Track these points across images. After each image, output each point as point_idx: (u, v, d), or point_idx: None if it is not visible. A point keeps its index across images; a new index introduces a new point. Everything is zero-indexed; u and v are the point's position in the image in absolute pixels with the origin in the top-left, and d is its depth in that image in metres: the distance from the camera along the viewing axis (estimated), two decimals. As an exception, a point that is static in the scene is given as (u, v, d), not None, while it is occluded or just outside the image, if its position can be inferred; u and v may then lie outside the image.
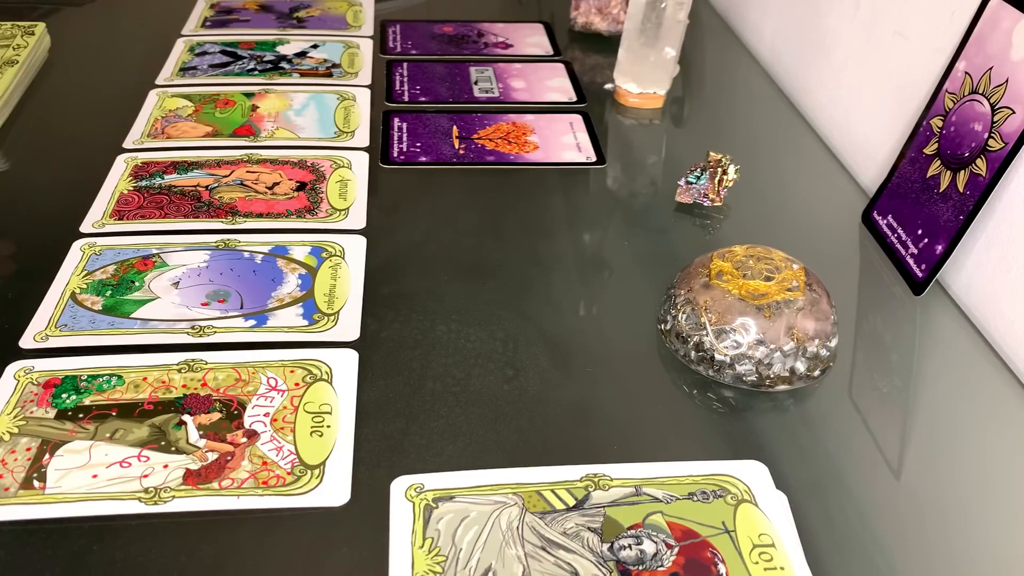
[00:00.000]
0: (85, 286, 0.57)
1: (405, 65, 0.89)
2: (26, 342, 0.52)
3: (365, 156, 0.73)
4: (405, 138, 0.76)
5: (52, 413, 0.48)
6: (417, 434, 0.48)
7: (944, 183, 0.59)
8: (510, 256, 0.63)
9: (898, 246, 0.62)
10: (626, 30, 0.80)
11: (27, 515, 0.42)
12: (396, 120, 0.79)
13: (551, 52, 0.93)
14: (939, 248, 0.58)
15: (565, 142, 0.77)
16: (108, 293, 0.56)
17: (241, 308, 0.56)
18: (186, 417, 0.48)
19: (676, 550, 0.42)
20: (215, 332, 0.54)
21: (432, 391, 0.51)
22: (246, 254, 0.60)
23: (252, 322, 0.55)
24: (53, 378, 0.50)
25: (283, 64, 0.87)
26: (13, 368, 0.50)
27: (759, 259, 0.53)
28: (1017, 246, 0.56)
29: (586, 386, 0.52)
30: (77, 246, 0.61)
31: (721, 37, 1.00)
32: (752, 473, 0.45)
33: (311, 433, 0.47)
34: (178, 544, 0.42)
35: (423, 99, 0.83)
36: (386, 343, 0.54)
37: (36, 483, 0.44)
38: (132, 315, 0.55)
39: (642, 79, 0.81)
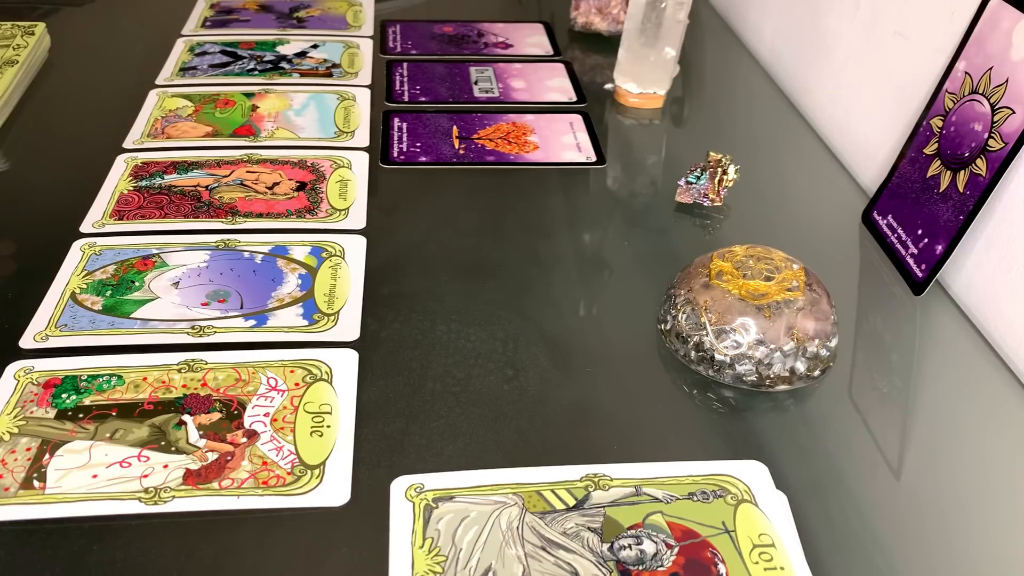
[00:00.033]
0: (85, 286, 0.57)
1: (405, 65, 0.89)
2: (26, 342, 0.52)
3: (365, 156, 0.73)
4: (405, 138, 0.76)
5: (52, 413, 0.48)
6: (417, 434, 0.48)
7: (944, 183, 0.59)
8: (510, 256, 0.63)
9: (898, 246, 0.62)
10: (626, 30, 0.80)
11: (27, 515, 0.42)
12: (396, 120, 0.79)
13: (551, 52, 0.93)
14: (939, 248, 0.58)
15: (565, 142, 0.77)
16: (108, 293, 0.56)
17: (241, 308, 0.56)
18: (186, 417, 0.48)
19: (676, 550, 0.42)
20: (215, 332, 0.54)
21: (432, 391, 0.51)
22: (246, 254, 0.60)
23: (252, 322, 0.55)
24: (53, 378, 0.50)
25: (283, 64, 0.87)
26: (13, 368, 0.50)
27: (759, 259, 0.53)
28: (1017, 246, 0.56)
29: (586, 386, 0.52)
30: (77, 246, 0.61)
31: (721, 37, 1.00)
32: (752, 473, 0.45)
33: (311, 433, 0.47)
34: (178, 544, 0.42)
35: (423, 99, 0.83)
36: (386, 343, 0.54)
37: (36, 483, 0.44)
38: (132, 315, 0.55)
39: (642, 79, 0.81)
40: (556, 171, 0.73)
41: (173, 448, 0.46)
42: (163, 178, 0.68)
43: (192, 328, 0.54)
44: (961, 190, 0.58)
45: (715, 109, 0.86)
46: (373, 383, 0.51)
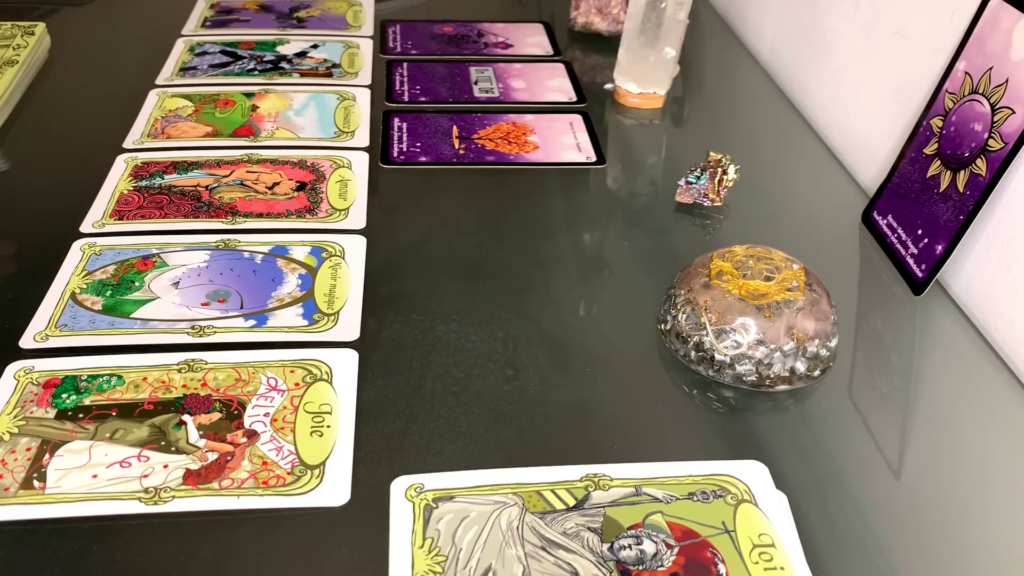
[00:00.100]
0: (85, 286, 0.57)
1: (405, 65, 0.89)
2: (26, 342, 0.52)
3: (365, 156, 0.73)
4: (405, 138, 0.76)
5: (52, 413, 0.48)
6: (417, 434, 0.48)
7: (944, 183, 0.59)
8: (510, 256, 0.63)
9: (898, 246, 0.62)
10: (626, 30, 0.80)
11: (27, 515, 0.42)
12: (396, 120, 0.79)
13: (551, 52, 0.93)
14: (939, 248, 0.58)
15: (565, 142, 0.77)
16: (108, 293, 0.56)
17: (241, 308, 0.56)
18: (186, 417, 0.48)
19: (676, 550, 0.42)
20: (215, 332, 0.54)
21: (432, 391, 0.51)
22: (246, 254, 0.60)
23: (252, 322, 0.55)
24: (53, 378, 0.50)
25: (283, 64, 0.87)
26: (13, 368, 0.50)
27: (759, 259, 0.53)
28: (1017, 246, 0.56)
29: (586, 386, 0.52)
30: (77, 246, 0.61)
31: (721, 37, 1.00)
32: (752, 473, 0.45)
33: (311, 433, 0.47)
34: (178, 544, 0.42)
35: (423, 99, 0.83)
36: (386, 343, 0.54)
37: (36, 483, 0.44)
38: (132, 315, 0.55)
39: (642, 79, 0.81)
40: (556, 171, 0.73)
41: (173, 448, 0.46)
42: (163, 178, 0.68)
43: (192, 328, 0.54)
44: (961, 190, 0.58)
45: (715, 109, 0.86)
46: (373, 383, 0.51)
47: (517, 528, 0.42)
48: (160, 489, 0.44)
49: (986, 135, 0.57)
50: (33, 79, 0.83)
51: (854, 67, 0.77)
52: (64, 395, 0.49)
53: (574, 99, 0.84)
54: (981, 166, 0.56)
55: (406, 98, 0.82)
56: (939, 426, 0.51)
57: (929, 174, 0.61)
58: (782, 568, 0.41)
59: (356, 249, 0.61)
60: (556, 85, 0.86)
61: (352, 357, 0.52)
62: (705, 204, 0.68)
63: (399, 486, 0.44)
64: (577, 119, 0.80)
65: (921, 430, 0.51)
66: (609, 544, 0.42)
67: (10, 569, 0.40)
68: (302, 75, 0.85)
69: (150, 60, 0.86)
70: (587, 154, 0.75)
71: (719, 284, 0.52)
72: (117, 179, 0.68)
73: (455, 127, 0.78)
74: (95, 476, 0.44)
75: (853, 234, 0.67)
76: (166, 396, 0.49)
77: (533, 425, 0.49)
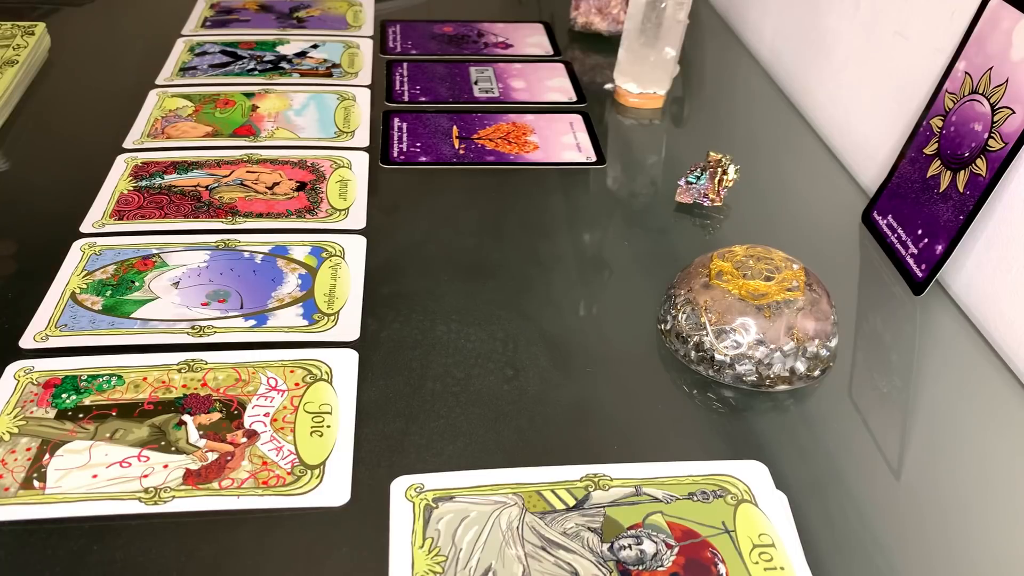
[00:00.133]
0: (85, 286, 0.57)
1: (405, 65, 0.89)
2: (26, 342, 0.52)
3: (365, 156, 0.73)
4: (405, 138, 0.76)
5: (52, 413, 0.48)
6: (417, 434, 0.48)
7: (944, 183, 0.59)
8: (510, 256, 0.63)
9: (898, 246, 0.62)
10: (626, 30, 0.80)
11: (27, 515, 0.42)
12: (396, 120, 0.79)
13: (551, 52, 0.93)
14: (939, 248, 0.58)
15: (565, 142, 0.77)
16: (108, 293, 0.56)
17: (241, 308, 0.56)
18: (186, 417, 0.48)
19: (676, 550, 0.42)
20: (215, 332, 0.54)
21: (432, 391, 0.51)
22: (246, 254, 0.60)
23: (252, 322, 0.55)
24: (53, 378, 0.50)
25: (283, 64, 0.87)
26: (13, 368, 0.50)
27: (759, 259, 0.53)
28: (1017, 246, 0.56)
29: (586, 386, 0.52)
30: (77, 246, 0.61)
31: (721, 37, 1.00)
32: (752, 473, 0.45)
33: (311, 433, 0.47)
34: (178, 544, 0.42)
35: (423, 99, 0.83)
36: (386, 343, 0.54)
37: (36, 483, 0.44)
38: (132, 315, 0.55)
39: (642, 79, 0.81)
40: (556, 171, 0.73)
41: (173, 448, 0.46)
42: (163, 178, 0.68)
43: (192, 328, 0.54)
44: (961, 190, 0.58)
45: (715, 109, 0.86)
46: (373, 383, 0.51)
47: (517, 528, 0.42)
48: (160, 489, 0.44)
49: (986, 135, 0.57)
50: (33, 79, 0.83)
51: (854, 67, 0.77)
52: (64, 395, 0.49)
53: (574, 99, 0.84)
54: (981, 166, 0.56)
55: (406, 98, 0.82)
56: (939, 426, 0.51)
57: (929, 174, 0.61)
58: (782, 568, 0.41)
59: (356, 249, 0.61)
60: (556, 85, 0.86)
61: (352, 357, 0.52)
62: (705, 204, 0.68)
63: (399, 486, 0.44)
64: (577, 119, 0.80)
65: (921, 430, 0.51)
66: (609, 544, 0.42)
67: (10, 569, 0.40)
68: (302, 75, 0.85)
69: (150, 60, 0.86)
70: (587, 154, 0.75)
71: (719, 284, 0.52)
72: (117, 179, 0.68)
73: (455, 127, 0.78)
74: (95, 476, 0.44)
75: (853, 234, 0.67)
76: (166, 396, 0.49)
77: (533, 425, 0.49)
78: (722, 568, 0.41)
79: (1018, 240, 0.56)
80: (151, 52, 0.88)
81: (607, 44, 0.93)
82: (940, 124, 0.61)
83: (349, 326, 0.55)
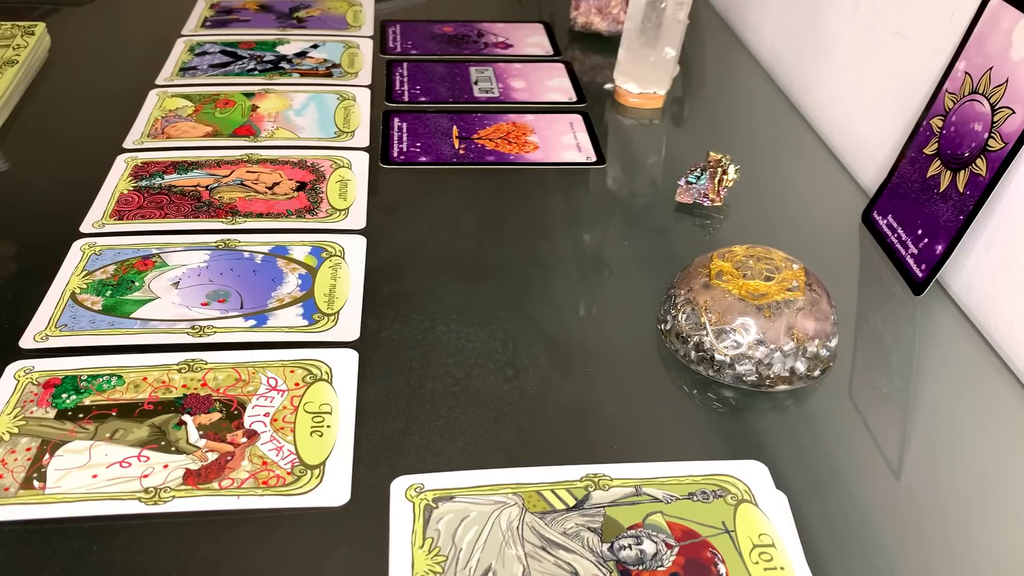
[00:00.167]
0: (85, 286, 0.57)
1: (405, 65, 0.89)
2: (26, 342, 0.52)
3: (365, 156, 0.73)
4: (405, 138, 0.76)
5: (52, 413, 0.48)
6: (417, 434, 0.48)
7: (944, 183, 0.59)
8: (510, 256, 0.63)
9: (898, 246, 0.62)
10: (626, 30, 0.80)
11: (27, 515, 0.42)
12: (396, 120, 0.79)
13: (551, 52, 0.93)
14: (939, 248, 0.58)
15: (565, 142, 0.77)
16: (108, 293, 0.56)
17: (241, 308, 0.56)
18: (186, 417, 0.48)
19: (676, 550, 0.42)
20: (215, 332, 0.54)
21: (432, 391, 0.51)
22: (246, 254, 0.60)
23: (252, 322, 0.55)
24: (53, 378, 0.50)
25: (283, 64, 0.87)
26: (13, 368, 0.50)
27: (759, 259, 0.53)
28: (1017, 246, 0.56)
29: (586, 386, 0.52)
30: (77, 246, 0.61)
31: (721, 37, 1.00)
32: (752, 473, 0.45)
33: (311, 433, 0.47)
34: (178, 544, 0.42)
35: (423, 99, 0.83)
36: (386, 343, 0.54)
37: (36, 483, 0.44)
38: (132, 315, 0.55)
39: (642, 79, 0.81)
40: (556, 171, 0.73)
41: (173, 448, 0.46)
42: (163, 178, 0.68)
43: (192, 328, 0.54)
44: (961, 190, 0.58)
45: (715, 109, 0.86)
46: (373, 383, 0.51)
47: (517, 528, 0.42)
48: (160, 489, 0.44)
49: (986, 135, 0.57)
50: (33, 79, 0.83)
51: (854, 67, 0.77)
52: (64, 395, 0.49)
53: (574, 99, 0.84)
54: (981, 166, 0.56)
55: (406, 98, 0.82)
56: (939, 426, 0.51)
57: (929, 174, 0.61)
58: (782, 568, 0.41)
59: (356, 249, 0.61)
60: (556, 85, 0.86)
61: (352, 357, 0.52)
62: (705, 204, 0.68)
63: (399, 486, 0.44)
64: (577, 119, 0.80)
65: (921, 430, 0.51)
66: (609, 544, 0.42)
67: (10, 569, 0.40)
68: (302, 75, 0.85)
69: (150, 60, 0.86)
70: (587, 154, 0.75)
71: (719, 284, 0.52)
72: (117, 179, 0.68)
73: (455, 127, 0.78)
74: (95, 476, 0.44)
75: (853, 234, 0.67)
76: (166, 396, 0.49)
77: (533, 425, 0.49)
78: (722, 568, 0.41)
79: (1018, 240, 0.56)
80: (151, 52, 0.88)
81: (607, 44, 0.93)
82: (940, 124, 0.61)
83: (349, 326, 0.55)
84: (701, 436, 0.49)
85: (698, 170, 0.68)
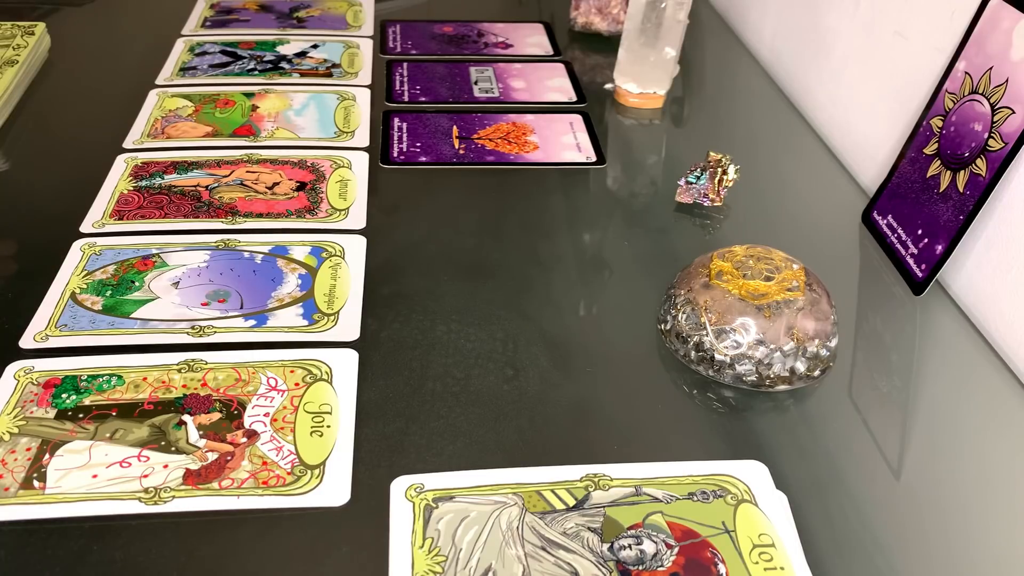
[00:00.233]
0: (85, 286, 0.57)
1: (405, 65, 0.89)
2: (26, 342, 0.52)
3: (365, 156, 0.73)
4: (405, 138, 0.76)
5: (52, 413, 0.48)
6: (417, 434, 0.48)
7: (944, 183, 0.59)
8: (510, 256, 0.63)
9: (898, 246, 0.62)
10: (626, 30, 0.80)
11: (27, 515, 0.42)
12: (396, 120, 0.79)
13: (551, 52, 0.93)
14: (939, 248, 0.58)
15: (565, 142, 0.77)
16: (108, 293, 0.56)
17: (241, 308, 0.56)
18: (186, 417, 0.48)
19: (676, 550, 0.42)
20: (215, 332, 0.54)
21: (432, 391, 0.51)
22: (246, 254, 0.60)
23: (252, 322, 0.55)
24: (53, 378, 0.50)
25: (283, 64, 0.87)
26: (13, 368, 0.50)
27: (759, 259, 0.53)
28: (1017, 246, 0.56)
29: (586, 386, 0.52)
30: (77, 246, 0.61)
31: (721, 37, 1.00)
32: (752, 473, 0.45)
33: (311, 433, 0.47)
34: (178, 544, 0.42)
35: (423, 99, 0.83)
36: (386, 343, 0.54)
37: (36, 483, 0.44)
38: (132, 315, 0.55)
39: (642, 79, 0.81)
40: (556, 171, 0.73)
41: (173, 448, 0.46)
42: (163, 178, 0.68)
43: (192, 328, 0.54)
44: (961, 190, 0.58)
45: (715, 109, 0.86)
46: (373, 383, 0.51)
47: (517, 528, 0.42)
48: (160, 489, 0.44)
49: (986, 135, 0.57)
50: (33, 79, 0.83)
51: (854, 67, 0.77)
52: (64, 395, 0.49)
53: (574, 99, 0.84)
54: (981, 166, 0.56)
55: (406, 98, 0.82)
56: (939, 426, 0.51)
57: (929, 174, 0.61)
58: (782, 568, 0.41)
59: (356, 249, 0.61)
60: (556, 85, 0.86)
61: (352, 357, 0.52)
62: (705, 204, 0.68)
63: (399, 486, 0.44)
64: (577, 119, 0.80)
65: (921, 430, 0.51)
66: (609, 544, 0.42)
67: (10, 569, 0.40)
68: (302, 75, 0.85)
69: (150, 60, 0.86)
70: (587, 154, 0.75)
71: (719, 284, 0.52)
72: (117, 179, 0.68)
73: (455, 127, 0.78)
74: (95, 476, 0.44)
75: (853, 234, 0.67)
76: (166, 396, 0.49)
77: (533, 425, 0.49)
78: (722, 568, 0.41)
79: (1018, 240, 0.56)
80: (151, 52, 0.88)
81: (607, 44, 0.93)
82: (940, 124, 0.61)
83: (349, 326, 0.55)
84: (701, 436, 0.49)
85: (698, 170, 0.68)
